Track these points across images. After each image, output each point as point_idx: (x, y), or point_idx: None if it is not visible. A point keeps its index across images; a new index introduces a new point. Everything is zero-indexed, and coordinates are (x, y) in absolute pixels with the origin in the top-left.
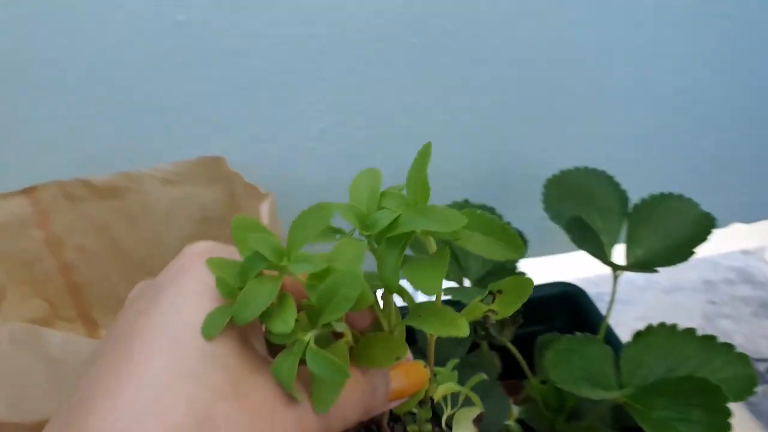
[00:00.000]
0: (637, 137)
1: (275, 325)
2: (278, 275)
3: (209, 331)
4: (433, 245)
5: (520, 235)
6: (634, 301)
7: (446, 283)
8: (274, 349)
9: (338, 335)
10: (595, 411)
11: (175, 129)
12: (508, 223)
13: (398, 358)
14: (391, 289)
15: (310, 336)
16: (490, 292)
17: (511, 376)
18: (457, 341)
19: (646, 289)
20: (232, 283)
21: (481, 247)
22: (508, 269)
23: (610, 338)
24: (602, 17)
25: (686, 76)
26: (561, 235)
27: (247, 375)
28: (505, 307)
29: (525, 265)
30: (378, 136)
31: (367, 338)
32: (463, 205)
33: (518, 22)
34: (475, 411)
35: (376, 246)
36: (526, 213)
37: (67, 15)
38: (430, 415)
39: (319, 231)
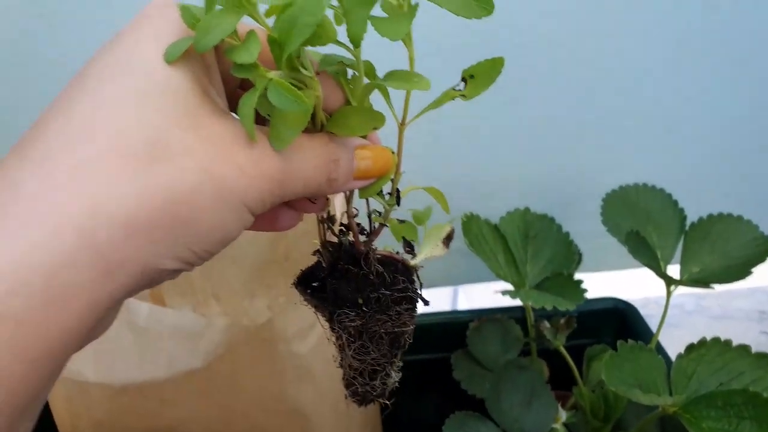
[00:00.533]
0: (698, 157)
1: (239, 55)
2: (241, 7)
3: (171, 55)
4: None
5: (576, 248)
6: (682, 324)
7: (504, 285)
8: (233, 105)
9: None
10: (642, 422)
11: None
12: (567, 233)
13: (375, 128)
14: (356, 40)
15: (273, 73)
16: (463, 78)
17: (557, 386)
18: (506, 344)
19: (695, 314)
20: (193, 14)
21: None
22: (565, 276)
23: (660, 354)
24: (665, 42)
25: (750, 102)
26: (614, 253)
27: (205, 113)
28: (474, 89)
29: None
30: (445, 136)
31: (344, 110)
32: (524, 213)
33: (583, 44)
34: (446, 229)
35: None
36: (584, 227)
37: None
38: (394, 203)
39: None
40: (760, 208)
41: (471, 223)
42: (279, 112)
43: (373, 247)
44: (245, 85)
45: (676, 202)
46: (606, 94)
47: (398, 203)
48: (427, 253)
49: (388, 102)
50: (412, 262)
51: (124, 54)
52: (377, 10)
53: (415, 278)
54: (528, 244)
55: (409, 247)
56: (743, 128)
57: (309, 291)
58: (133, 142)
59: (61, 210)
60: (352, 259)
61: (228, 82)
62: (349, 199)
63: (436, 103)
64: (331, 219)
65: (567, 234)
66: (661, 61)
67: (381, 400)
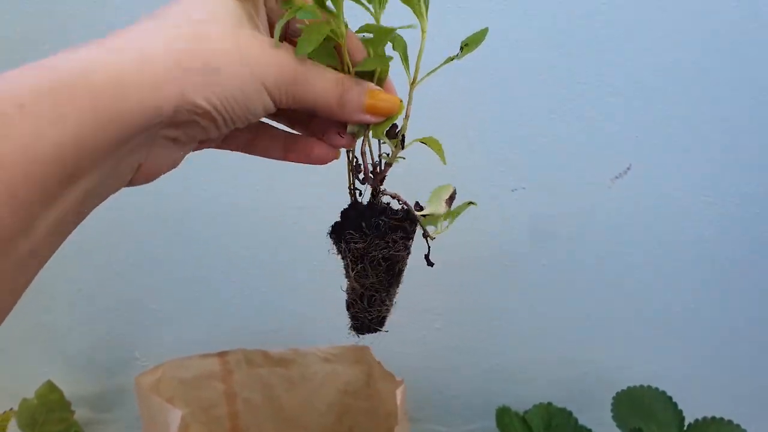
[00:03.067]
0: (699, 360)
1: None
2: None
3: None
4: None
5: None
6: None
7: None
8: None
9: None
10: None
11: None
12: (583, 426)
13: (383, 71)
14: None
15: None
16: (461, 48)
17: None
18: None
19: None
20: None
21: None
22: None
23: None
24: (669, 260)
25: (747, 314)
26: None
27: (247, 26)
28: (467, 51)
29: None
30: (477, 331)
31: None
32: (548, 406)
33: (602, 264)
34: (449, 189)
35: None
36: (598, 416)
37: None
38: (399, 146)
39: None
40: (752, 408)
41: (503, 414)
42: (305, 29)
43: (382, 188)
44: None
45: (675, 404)
46: (618, 304)
47: (403, 146)
48: (432, 209)
49: (404, 64)
50: (418, 213)
51: None
52: None
53: (415, 222)
54: None
55: (419, 207)
56: (740, 340)
57: (331, 228)
58: (191, 23)
59: (143, 43)
60: (374, 194)
61: (272, 19)
62: (364, 141)
63: (439, 66)
64: (357, 167)
65: (583, 427)
66: (667, 276)
67: (377, 327)
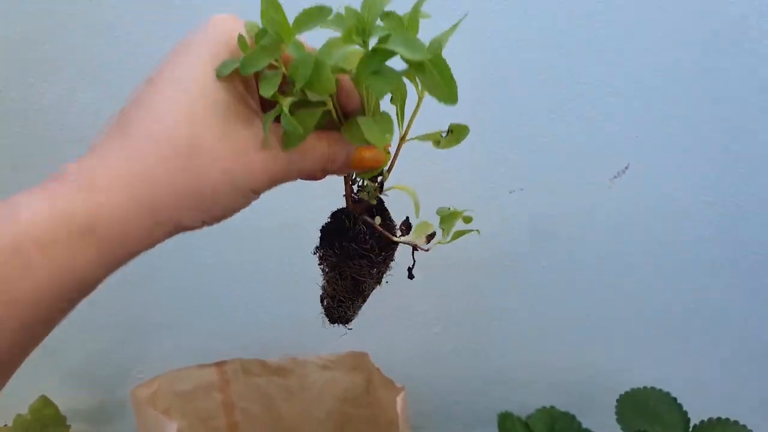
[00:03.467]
0: (702, 362)
1: (263, 88)
2: (277, 49)
3: (222, 70)
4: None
5: None
6: None
7: None
8: (265, 106)
9: (321, 104)
10: None
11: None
12: (587, 429)
13: (387, 137)
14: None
15: (287, 101)
16: (450, 130)
17: None
18: None
19: None
20: (246, 43)
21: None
22: None
23: None
24: (670, 262)
25: (750, 313)
26: None
27: (236, 121)
28: (447, 143)
29: None
30: (477, 334)
31: (358, 120)
32: (551, 410)
33: (602, 265)
34: (431, 228)
35: (362, 48)
36: (601, 419)
37: None
38: (378, 189)
39: (315, 25)
40: (759, 408)
41: (506, 420)
42: (292, 121)
43: (377, 205)
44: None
45: (680, 405)
46: (619, 305)
47: (381, 191)
48: (410, 239)
49: (399, 117)
50: (394, 238)
51: (187, 66)
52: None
53: (389, 248)
54: None
55: (405, 227)
56: (744, 339)
57: (320, 230)
58: (182, 145)
59: (129, 181)
60: (353, 219)
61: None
62: (347, 177)
63: (425, 137)
64: (354, 181)
65: (587, 430)
66: (667, 276)
67: (343, 324)
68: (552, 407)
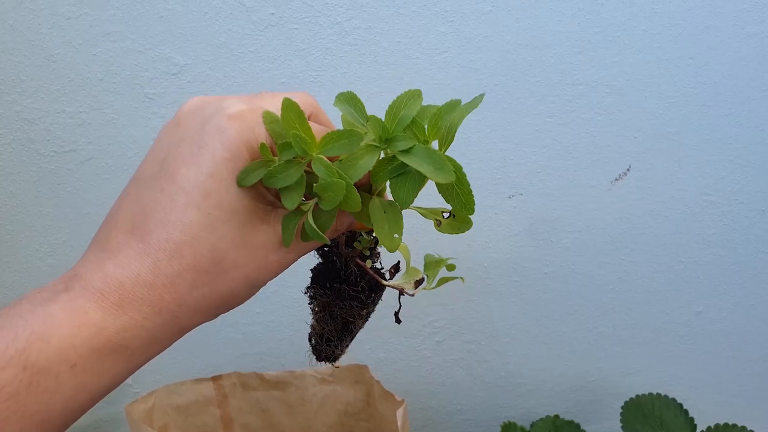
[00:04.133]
0: (707, 366)
1: (285, 201)
2: (302, 163)
3: (244, 180)
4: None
5: None
6: None
7: None
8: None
9: None
10: None
11: None
12: None
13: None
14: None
15: (309, 205)
16: (451, 213)
17: None
18: None
19: None
20: (268, 150)
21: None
22: None
23: None
24: (672, 270)
25: (756, 315)
26: None
27: (253, 224)
28: (446, 228)
29: None
30: (478, 343)
31: (372, 211)
32: (554, 419)
33: (598, 271)
34: (419, 275)
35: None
36: (606, 426)
37: None
38: (371, 239)
39: (343, 152)
40: (762, 415)
41: (509, 430)
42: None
43: (357, 257)
44: None
45: (686, 411)
46: (622, 310)
47: (376, 244)
48: (399, 284)
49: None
50: (383, 282)
51: (205, 169)
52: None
53: (378, 290)
54: None
55: (394, 270)
56: (750, 342)
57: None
58: (204, 256)
59: (162, 300)
60: (345, 261)
61: None
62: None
63: (427, 213)
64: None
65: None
66: (671, 279)
67: (330, 361)
68: (556, 416)
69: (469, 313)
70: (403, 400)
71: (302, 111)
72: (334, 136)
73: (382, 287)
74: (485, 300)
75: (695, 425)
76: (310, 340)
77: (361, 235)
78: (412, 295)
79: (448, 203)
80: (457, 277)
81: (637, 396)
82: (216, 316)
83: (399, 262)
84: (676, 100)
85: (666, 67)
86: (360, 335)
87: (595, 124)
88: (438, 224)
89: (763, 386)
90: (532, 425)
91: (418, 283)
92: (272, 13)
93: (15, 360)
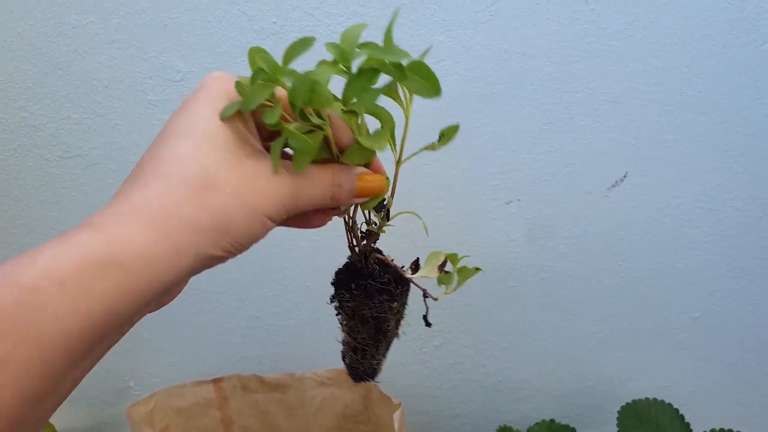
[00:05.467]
0: (704, 371)
1: (266, 117)
2: (274, 82)
3: (226, 113)
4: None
5: None
6: None
7: None
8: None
9: (321, 129)
10: None
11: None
12: None
13: (369, 160)
14: (366, 106)
15: (292, 125)
16: (440, 136)
17: None
18: None
19: None
20: (244, 87)
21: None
22: None
23: None
24: (672, 275)
25: (753, 321)
26: None
27: (243, 155)
28: (442, 143)
29: None
30: (477, 347)
31: (351, 146)
32: (550, 423)
33: (597, 277)
34: (442, 257)
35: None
36: (602, 431)
37: None
38: (385, 218)
39: (302, 53)
40: (759, 420)
41: None
42: (297, 149)
43: (376, 250)
44: (275, 133)
45: (683, 417)
46: (619, 316)
47: (388, 218)
48: (423, 273)
49: (392, 144)
50: (407, 275)
51: (190, 117)
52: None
53: (403, 284)
54: None
55: (415, 266)
56: (747, 348)
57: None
58: (193, 179)
59: (148, 212)
60: (364, 258)
61: (263, 128)
62: (354, 212)
63: (420, 150)
64: (353, 228)
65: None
66: (668, 285)
67: (369, 378)
68: (552, 420)
69: (467, 318)
70: (400, 404)
71: (264, 49)
72: (291, 48)
73: (407, 281)
74: (484, 305)
75: (691, 430)
76: (343, 359)
77: (371, 216)
78: (436, 299)
79: (418, 94)
80: (477, 269)
81: (634, 401)
82: (221, 250)
83: (418, 258)
84: (672, 108)
85: (662, 76)
86: None
87: (592, 132)
88: (434, 149)
89: (760, 392)
90: (528, 429)
91: (441, 267)
92: (274, 22)
93: (1, 279)
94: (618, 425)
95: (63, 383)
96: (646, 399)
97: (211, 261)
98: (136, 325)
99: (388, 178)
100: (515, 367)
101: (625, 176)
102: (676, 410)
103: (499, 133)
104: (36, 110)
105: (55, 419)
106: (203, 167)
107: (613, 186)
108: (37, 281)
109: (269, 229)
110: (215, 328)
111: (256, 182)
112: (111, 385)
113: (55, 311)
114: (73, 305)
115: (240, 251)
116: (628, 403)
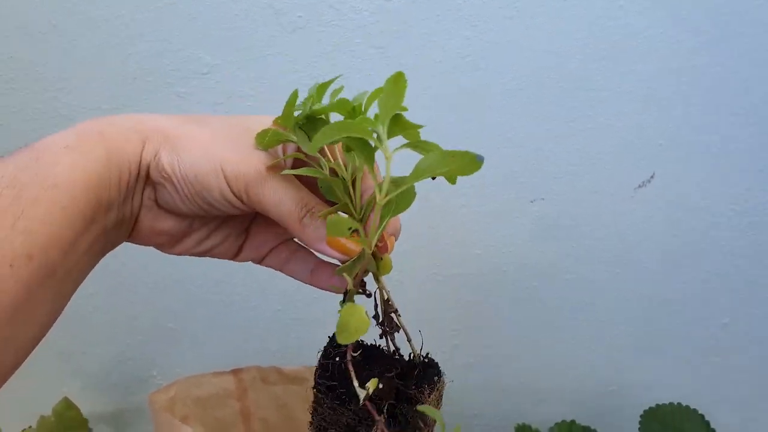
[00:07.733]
0: (731, 380)
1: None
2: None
3: (260, 138)
4: None
5: None
6: None
7: None
8: None
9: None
10: None
11: None
12: None
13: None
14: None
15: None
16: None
17: None
18: None
19: None
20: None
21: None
22: None
23: None
24: (698, 281)
25: None
26: None
27: (248, 144)
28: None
29: None
30: (497, 347)
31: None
32: (570, 425)
33: (619, 286)
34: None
35: None
36: None
37: None
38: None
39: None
40: None
41: (523, 431)
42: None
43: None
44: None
45: (708, 423)
46: (644, 319)
47: (364, 288)
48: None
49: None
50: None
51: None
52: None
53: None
54: None
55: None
56: None
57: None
58: (191, 115)
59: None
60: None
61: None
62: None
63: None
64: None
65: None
66: (696, 289)
67: None
68: (572, 421)
69: (487, 317)
70: None
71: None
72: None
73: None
74: (504, 304)
75: None
76: None
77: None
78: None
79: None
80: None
81: (657, 405)
82: (168, 163)
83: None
84: (703, 108)
85: (693, 74)
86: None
87: (618, 130)
88: (433, 178)
89: None
90: (549, 430)
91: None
92: (300, 16)
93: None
94: (640, 430)
95: (79, 242)
96: (670, 404)
97: (159, 176)
98: (159, 314)
99: (367, 242)
100: (535, 369)
101: (652, 177)
102: (702, 416)
103: (524, 130)
104: (68, 101)
105: (81, 403)
106: (200, 124)
107: (639, 186)
108: (49, 145)
109: (222, 192)
110: (237, 321)
111: (229, 141)
112: (134, 373)
113: (66, 166)
114: (76, 163)
115: (188, 191)
116: (651, 408)
